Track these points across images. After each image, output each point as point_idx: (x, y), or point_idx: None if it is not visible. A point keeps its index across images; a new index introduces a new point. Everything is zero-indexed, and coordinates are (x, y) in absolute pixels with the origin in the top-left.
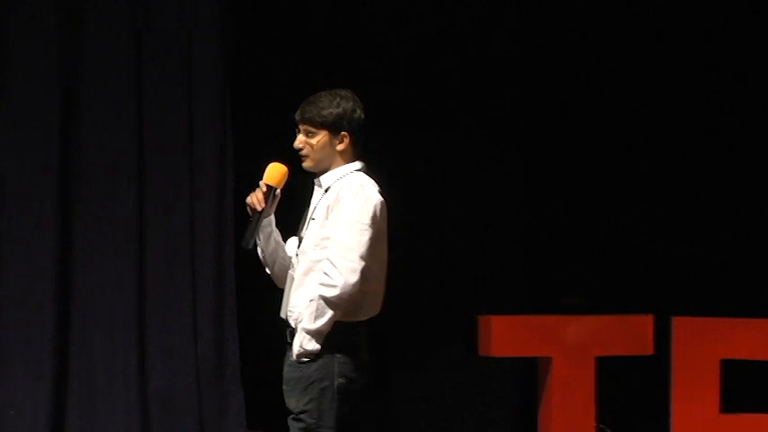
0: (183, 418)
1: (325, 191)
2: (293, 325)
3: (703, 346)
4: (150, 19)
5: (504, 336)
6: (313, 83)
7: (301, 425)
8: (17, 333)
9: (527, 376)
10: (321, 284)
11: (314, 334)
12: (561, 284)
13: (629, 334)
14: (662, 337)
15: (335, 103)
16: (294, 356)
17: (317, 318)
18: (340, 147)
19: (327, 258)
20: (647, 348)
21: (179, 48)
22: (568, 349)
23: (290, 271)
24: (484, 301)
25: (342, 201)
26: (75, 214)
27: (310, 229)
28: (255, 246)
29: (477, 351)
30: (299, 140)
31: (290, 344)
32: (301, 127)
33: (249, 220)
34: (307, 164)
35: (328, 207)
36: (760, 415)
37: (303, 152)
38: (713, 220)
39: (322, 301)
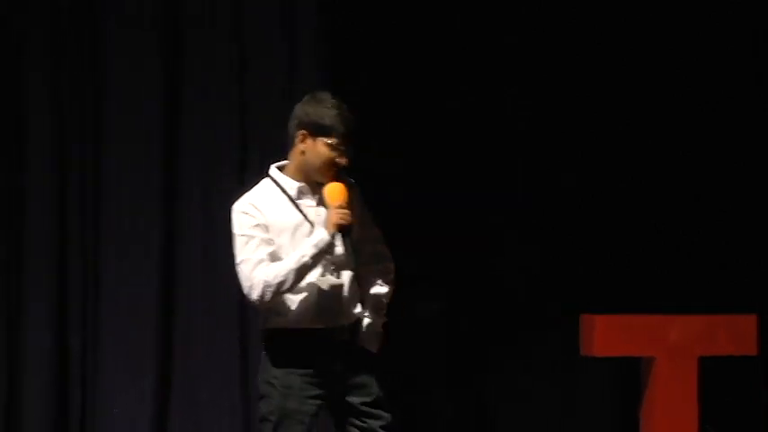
0: None
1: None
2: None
3: None
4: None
5: (607, 335)
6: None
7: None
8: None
9: (629, 376)
10: (387, 283)
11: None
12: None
13: (733, 334)
14: (766, 336)
15: None
16: (377, 349)
17: (384, 313)
18: None
19: (388, 256)
20: (751, 348)
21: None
22: (671, 349)
23: (331, 276)
24: (584, 299)
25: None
26: (178, 214)
27: (349, 243)
28: None
29: (578, 350)
30: (347, 158)
31: (348, 340)
32: (346, 144)
33: (344, 240)
34: (334, 177)
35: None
36: None
37: (344, 166)
38: None
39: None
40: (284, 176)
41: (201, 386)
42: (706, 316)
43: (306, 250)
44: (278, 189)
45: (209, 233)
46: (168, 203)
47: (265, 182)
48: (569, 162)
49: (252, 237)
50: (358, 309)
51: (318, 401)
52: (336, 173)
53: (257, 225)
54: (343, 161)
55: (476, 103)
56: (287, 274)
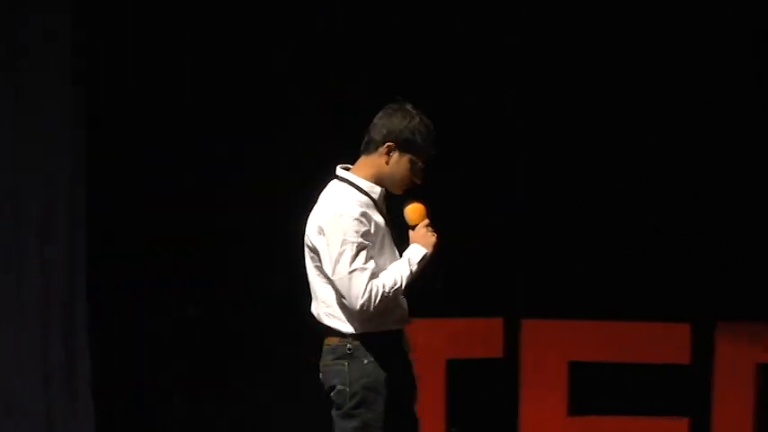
0: (30, 421)
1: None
2: None
3: (551, 348)
4: None
5: None
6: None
7: None
8: None
9: None
10: None
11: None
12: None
13: (480, 336)
14: (512, 339)
15: None
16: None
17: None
18: None
19: None
20: (497, 350)
21: None
22: (420, 351)
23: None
24: None
25: None
26: None
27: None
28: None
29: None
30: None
31: (408, 345)
32: (428, 162)
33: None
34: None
35: None
36: (607, 417)
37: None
38: (559, 223)
39: None
40: (363, 180)
41: None
42: (454, 319)
43: (413, 266)
44: (359, 193)
45: None
46: None
47: (342, 186)
48: None
49: (363, 245)
50: None
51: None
52: (407, 188)
53: (367, 232)
54: (419, 181)
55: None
56: (400, 285)
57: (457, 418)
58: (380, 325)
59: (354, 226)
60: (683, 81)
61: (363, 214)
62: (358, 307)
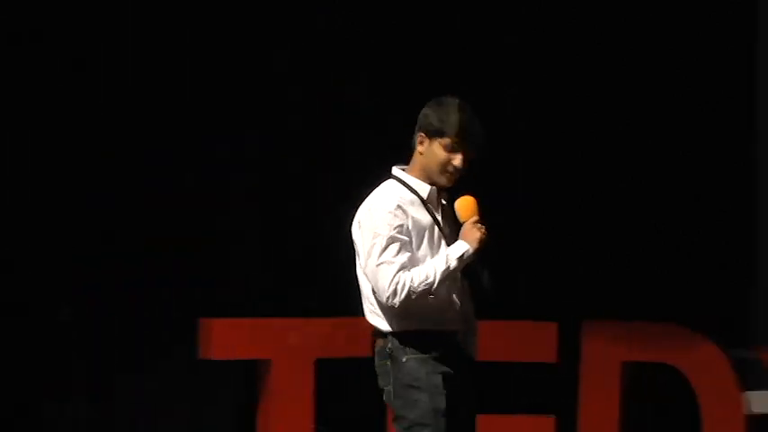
0: None
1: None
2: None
3: None
4: None
5: (225, 338)
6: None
7: None
8: None
9: (249, 379)
10: None
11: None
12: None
13: (349, 336)
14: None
15: None
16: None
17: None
18: None
19: None
20: (367, 350)
21: None
22: (289, 352)
23: (457, 285)
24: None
25: None
26: None
27: None
28: None
29: (198, 354)
30: (466, 162)
31: (467, 349)
32: (467, 148)
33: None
34: (452, 183)
35: None
36: (508, 416)
37: (458, 174)
38: None
39: None
40: (413, 178)
41: None
42: (324, 319)
43: (452, 262)
44: (408, 190)
45: None
46: None
47: (391, 183)
48: None
49: (395, 239)
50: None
51: (456, 404)
52: (454, 176)
53: (401, 226)
54: (456, 163)
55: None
56: (433, 281)
57: (326, 418)
58: (420, 323)
59: (387, 219)
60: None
61: (399, 208)
62: (384, 300)
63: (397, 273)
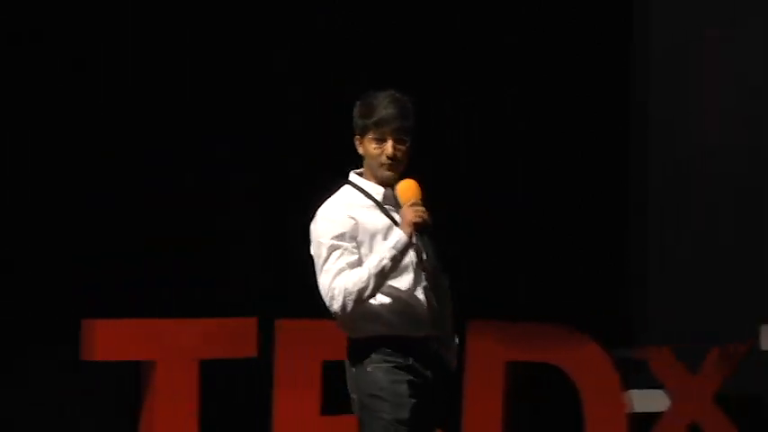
0: None
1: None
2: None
3: (305, 348)
4: None
5: (108, 339)
6: None
7: None
8: None
9: (133, 380)
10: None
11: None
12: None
13: (233, 337)
14: (266, 339)
15: (412, 108)
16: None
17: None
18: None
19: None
20: (251, 351)
21: None
22: (172, 353)
23: (423, 285)
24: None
25: None
26: None
27: (429, 244)
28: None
29: (80, 355)
30: (394, 148)
31: (444, 357)
32: (391, 134)
33: (423, 241)
34: (394, 174)
35: None
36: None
37: (396, 161)
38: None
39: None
40: (366, 181)
41: None
42: (206, 320)
43: (384, 253)
44: (361, 194)
45: None
46: None
47: (346, 188)
48: None
49: (334, 247)
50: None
51: (422, 411)
52: (393, 167)
53: (342, 234)
54: (387, 152)
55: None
56: (367, 279)
57: (210, 418)
58: (385, 328)
59: (327, 227)
60: None
61: (341, 215)
62: (333, 308)
63: (334, 279)
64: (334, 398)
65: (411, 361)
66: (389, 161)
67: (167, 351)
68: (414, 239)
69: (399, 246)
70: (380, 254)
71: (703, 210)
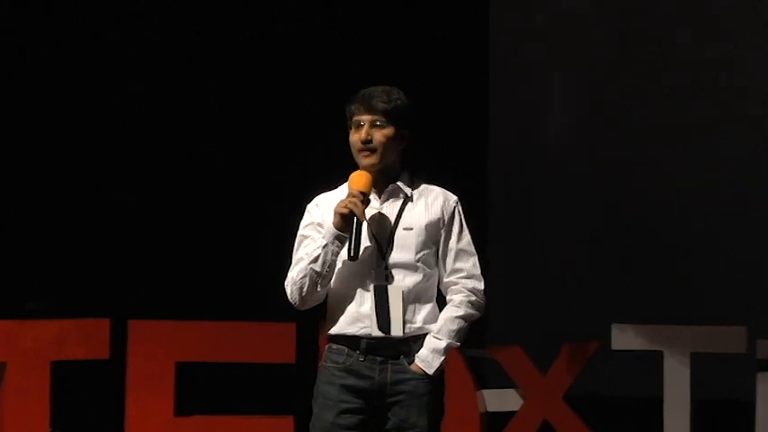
0: None
1: (408, 198)
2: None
3: (158, 348)
4: None
5: None
6: None
7: None
8: None
9: None
10: (470, 303)
11: (449, 351)
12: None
13: (86, 338)
14: (119, 340)
15: (400, 96)
16: (434, 371)
17: (461, 336)
18: (402, 146)
19: (474, 277)
20: (104, 352)
21: None
22: (24, 354)
23: (382, 283)
24: None
25: (457, 214)
26: None
27: (405, 240)
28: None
29: None
30: (367, 132)
31: (407, 357)
32: (366, 118)
33: (350, 231)
34: (371, 161)
35: (440, 219)
36: (213, 416)
37: (371, 146)
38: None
39: (466, 323)
40: None
41: None
42: (58, 320)
43: (320, 243)
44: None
45: None
46: None
47: (344, 185)
48: None
49: (303, 237)
50: (418, 323)
51: (358, 416)
52: (368, 153)
53: (311, 224)
54: (359, 137)
55: None
56: (304, 269)
57: (61, 420)
58: (334, 327)
59: (303, 220)
60: None
61: (314, 207)
62: (290, 300)
63: (290, 270)
64: (188, 399)
65: (350, 362)
66: (363, 146)
67: (18, 352)
68: (350, 230)
69: (328, 235)
70: (317, 243)
71: (549, 208)
